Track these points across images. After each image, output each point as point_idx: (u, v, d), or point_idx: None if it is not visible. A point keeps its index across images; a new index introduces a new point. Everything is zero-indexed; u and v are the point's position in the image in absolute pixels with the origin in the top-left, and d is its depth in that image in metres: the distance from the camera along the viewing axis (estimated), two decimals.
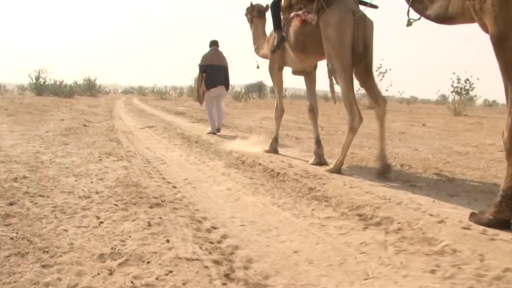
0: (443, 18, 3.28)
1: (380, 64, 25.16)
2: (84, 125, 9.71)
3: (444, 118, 16.92)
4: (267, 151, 6.23)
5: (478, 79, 22.21)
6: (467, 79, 22.26)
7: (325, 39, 4.71)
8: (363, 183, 4.48)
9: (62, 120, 10.96)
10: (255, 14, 6.87)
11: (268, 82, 43.20)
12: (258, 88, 43.49)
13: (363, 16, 4.67)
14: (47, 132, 8.13)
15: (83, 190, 3.76)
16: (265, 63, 6.49)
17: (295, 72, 5.98)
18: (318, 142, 5.54)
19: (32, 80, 31.55)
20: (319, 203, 3.81)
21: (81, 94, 35.35)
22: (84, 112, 14.86)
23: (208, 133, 8.78)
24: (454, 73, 22.31)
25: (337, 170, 4.87)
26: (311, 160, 5.52)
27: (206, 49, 9.22)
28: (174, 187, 4.22)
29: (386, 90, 25.75)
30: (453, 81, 22.86)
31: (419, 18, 3.53)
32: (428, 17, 3.42)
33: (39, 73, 31.62)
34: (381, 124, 4.68)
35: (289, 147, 7.17)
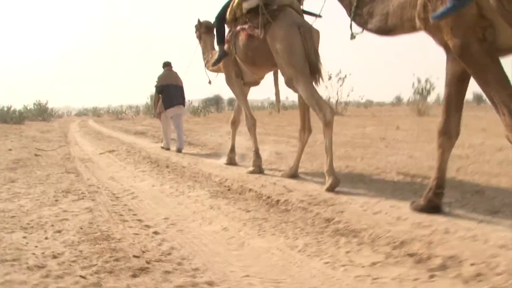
0: (384, 31, 3.36)
1: (340, 70, 24.84)
2: (36, 155, 8.48)
3: (411, 120, 16.49)
4: (252, 172, 5.53)
5: (438, 78, 22.10)
6: (427, 79, 22.12)
7: (275, 53, 4.68)
8: (385, 206, 3.68)
9: (9, 150, 9.65)
10: (203, 30, 6.97)
11: (225, 95, 42.51)
12: (215, 101, 42.44)
13: (309, 28, 4.66)
14: None
15: (34, 254, 2.69)
16: (218, 78, 6.65)
17: (247, 83, 5.89)
18: (257, 153, 5.59)
19: None
20: (348, 241, 2.93)
21: (32, 119, 33.27)
22: (36, 139, 13.46)
23: (162, 147, 8.89)
24: (414, 74, 22.16)
25: (332, 171, 4.37)
26: (250, 169, 5.53)
27: (159, 66, 9.28)
28: (156, 232, 3.24)
29: (348, 95, 25.38)
30: (413, 82, 22.66)
31: (362, 31, 3.59)
32: (370, 30, 3.48)
33: None
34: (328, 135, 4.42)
35: (271, 163, 6.29)
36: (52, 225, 3.40)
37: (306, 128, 5.04)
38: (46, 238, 3.06)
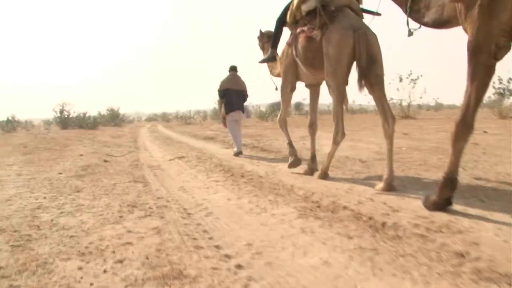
0: (440, 23, 3.27)
1: (411, 71, 23.32)
2: (105, 161, 8.12)
3: (494, 123, 14.88)
4: (290, 164, 6.06)
5: None
6: (511, 78, 20.09)
7: (325, 56, 4.69)
8: None
9: (81, 155, 9.43)
10: (265, 40, 7.03)
11: (293, 100, 41.53)
12: (277, 106, 41.76)
13: (365, 31, 4.48)
14: (60, 173, 6.56)
15: None
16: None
17: (308, 85, 5.92)
18: (313, 157, 5.69)
19: (57, 114, 30.65)
20: None
21: (105, 124, 34.29)
22: (107, 144, 13.36)
23: (235, 154, 8.52)
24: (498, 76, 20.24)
25: (324, 174, 5.12)
26: (304, 171, 5.66)
27: (226, 71, 9.23)
28: (239, 266, 2.51)
29: (420, 97, 23.82)
30: (494, 82, 20.72)
31: (419, 27, 3.50)
32: (426, 24, 3.40)
33: (63, 107, 30.81)
34: (390, 142, 4.37)
35: (358, 172, 5.42)
36: (114, 252, 2.76)
37: (388, 118, 4.45)
38: (105, 272, 2.42)
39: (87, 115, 31.13)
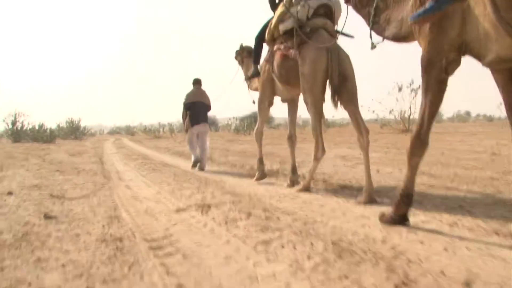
0: (399, 37, 3.19)
1: (412, 80, 19.90)
2: (48, 217, 3.73)
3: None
4: (257, 177, 5.79)
5: None
6: None
7: (301, 74, 4.62)
8: None
9: (8, 194, 4.99)
10: (245, 54, 6.67)
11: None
12: (254, 119, 37.83)
13: (337, 51, 4.49)
14: None
15: None
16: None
17: (284, 100, 5.76)
18: (293, 169, 5.42)
19: (8, 125, 25.33)
20: None
21: (64, 137, 29.06)
22: (61, 166, 8.81)
23: (193, 165, 8.08)
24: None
25: (306, 188, 4.79)
26: (286, 185, 5.30)
27: (189, 84, 8.74)
28: None
29: None
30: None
31: (382, 40, 3.38)
32: (387, 38, 3.31)
33: (15, 118, 25.50)
34: (366, 154, 4.31)
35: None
36: None
37: (362, 130, 4.36)
38: None
39: (43, 127, 25.94)
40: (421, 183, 4.84)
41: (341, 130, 27.62)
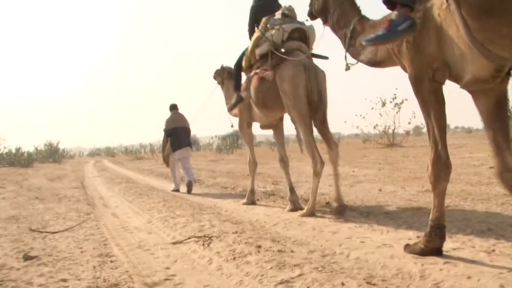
0: (374, 62, 3.21)
1: (395, 95, 19.92)
2: (27, 257, 3.24)
3: None
4: (245, 203, 5.56)
5: None
6: None
7: (282, 93, 4.60)
8: None
9: None
10: (225, 76, 6.59)
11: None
12: (236, 137, 37.42)
13: (315, 68, 4.60)
14: None
15: None
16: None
17: (263, 126, 5.78)
18: (291, 190, 5.11)
19: None
20: None
21: (42, 161, 28.06)
22: (41, 193, 8.25)
23: (172, 190, 7.88)
24: None
25: (310, 213, 4.44)
26: (287, 207, 4.97)
27: (167, 106, 8.69)
28: None
29: (409, 123, 20.23)
30: None
31: (356, 63, 3.38)
32: (362, 62, 3.32)
33: None
34: (335, 167, 4.48)
35: None
36: None
37: (331, 144, 4.54)
38: None
39: (20, 150, 25.00)
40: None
41: (320, 146, 27.41)
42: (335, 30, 3.60)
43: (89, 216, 5.21)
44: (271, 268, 2.68)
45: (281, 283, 2.44)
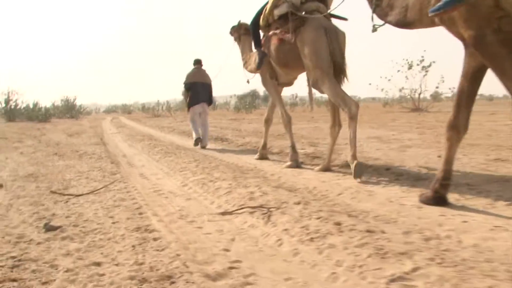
0: (403, 24, 3.08)
1: (422, 57, 18.73)
2: (49, 228, 2.58)
3: None
4: (290, 166, 5.02)
5: None
6: None
7: (303, 56, 4.54)
8: None
9: None
10: (242, 32, 6.36)
11: (261, 90, 37.26)
12: (254, 97, 36.52)
13: (335, 30, 4.54)
14: None
15: None
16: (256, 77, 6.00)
17: (282, 84, 5.63)
18: (293, 148, 5.15)
19: (1, 104, 23.87)
20: None
21: (59, 116, 27.62)
22: (60, 148, 7.66)
23: (195, 140, 7.82)
24: None
25: (327, 168, 4.59)
26: (288, 163, 5.05)
27: (186, 63, 9.14)
28: None
29: (437, 87, 19.13)
30: None
31: (383, 24, 3.27)
32: (389, 23, 3.20)
33: (8, 96, 24.01)
34: (333, 143, 4.57)
35: None
36: None
37: (336, 124, 4.64)
38: None
39: (37, 105, 24.53)
40: None
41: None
42: None
43: (115, 177, 4.57)
44: (369, 256, 1.99)
45: (393, 280, 1.75)
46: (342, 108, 4.27)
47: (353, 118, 4.15)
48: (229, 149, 7.30)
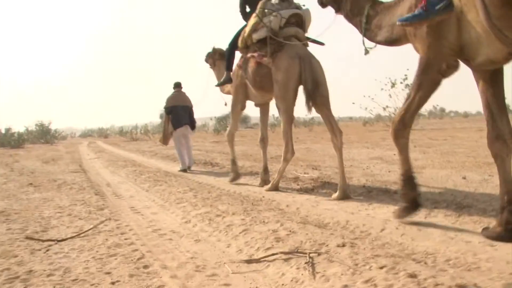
0: (391, 41, 3.19)
1: (405, 75, 18.65)
2: None
3: None
4: (233, 180, 5.61)
5: None
6: None
7: (275, 81, 4.64)
8: None
9: None
10: (217, 57, 6.59)
11: (246, 112, 36.84)
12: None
13: (309, 58, 4.56)
14: None
15: None
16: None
17: (257, 105, 5.66)
18: (265, 169, 5.35)
19: None
20: None
21: (33, 141, 26.35)
22: (36, 178, 6.88)
23: (180, 170, 7.54)
24: None
25: (275, 188, 4.79)
26: (259, 183, 5.29)
27: (163, 85, 8.51)
28: None
29: None
30: None
31: (374, 46, 3.42)
32: (379, 43, 3.32)
33: None
34: (340, 154, 4.32)
35: None
36: None
37: (335, 132, 4.41)
38: None
39: (10, 131, 23.31)
40: None
41: (321, 130, 26.28)
42: (349, 18, 3.57)
43: (103, 213, 3.88)
44: None
45: None
46: (284, 146, 4.59)
47: (285, 160, 4.62)
48: (223, 174, 6.66)
